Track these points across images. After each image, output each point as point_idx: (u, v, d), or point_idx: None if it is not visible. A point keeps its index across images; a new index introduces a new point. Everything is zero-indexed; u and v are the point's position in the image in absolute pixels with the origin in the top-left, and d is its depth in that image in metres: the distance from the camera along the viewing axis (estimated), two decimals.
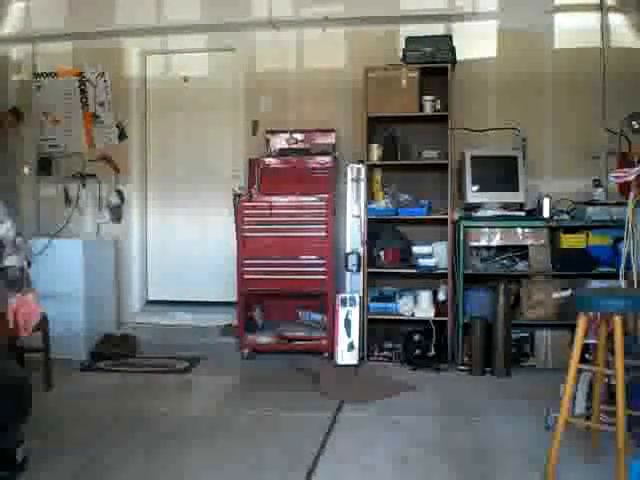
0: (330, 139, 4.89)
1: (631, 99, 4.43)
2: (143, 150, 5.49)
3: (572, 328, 2.66)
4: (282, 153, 4.88)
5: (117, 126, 5.36)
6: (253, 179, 4.82)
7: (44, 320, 3.88)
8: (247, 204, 4.55)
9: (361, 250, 4.59)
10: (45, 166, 5.42)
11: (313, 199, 4.47)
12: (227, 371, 4.35)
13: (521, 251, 4.37)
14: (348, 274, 4.62)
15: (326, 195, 4.47)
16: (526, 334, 4.34)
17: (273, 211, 4.48)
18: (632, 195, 3.14)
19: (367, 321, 4.52)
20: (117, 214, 5.38)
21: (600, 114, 4.62)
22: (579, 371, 2.65)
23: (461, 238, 4.35)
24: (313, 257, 4.47)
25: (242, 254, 4.53)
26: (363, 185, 4.60)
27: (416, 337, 4.43)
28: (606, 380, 2.86)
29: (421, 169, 4.71)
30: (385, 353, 4.52)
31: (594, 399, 2.72)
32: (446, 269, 4.46)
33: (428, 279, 4.67)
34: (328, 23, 4.95)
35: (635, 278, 3.16)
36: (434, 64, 4.48)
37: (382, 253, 4.59)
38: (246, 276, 4.53)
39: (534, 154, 4.65)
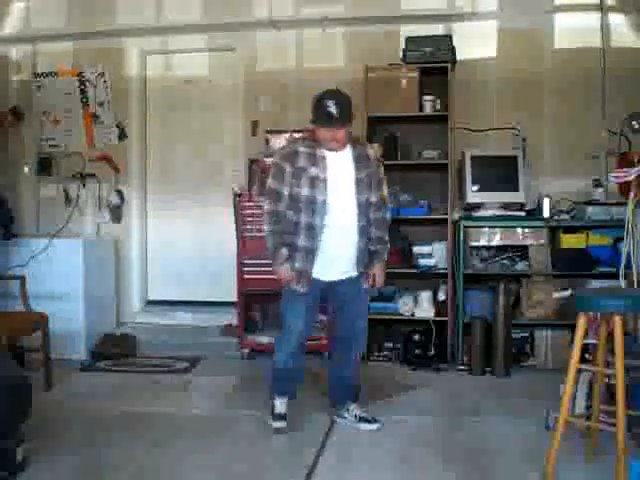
0: None
1: (631, 99, 4.43)
2: (143, 150, 5.48)
3: (572, 328, 2.66)
4: None
5: (117, 126, 5.35)
6: (253, 179, 4.81)
7: (44, 320, 3.90)
8: (247, 204, 4.55)
9: None
10: (45, 166, 5.41)
11: None
12: (227, 371, 4.35)
13: (521, 251, 4.37)
14: None
15: None
16: (526, 334, 4.34)
17: None
18: (632, 195, 3.14)
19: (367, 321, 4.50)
20: (117, 214, 5.37)
21: (600, 114, 4.62)
22: (579, 371, 2.65)
23: (461, 238, 4.35)
24: None
25: (242, 254, 4.53)
26: None
27: (416, 337, 4.43)
28: (606, 380, 2.86)
29: (421, 169, 4.71)
30: (385, 353, 4.52)
31: (594, 399, 2.72)
32: (446, 269, 4.46)
33: (428, 279, 4.67)
34: (328, 23, 4.94)
35: (635, 278, 3.16)
36: (434, 64, 4.48)
37: None
38: (246, 276, 4.53)
39: (534, 154, 4.64)
